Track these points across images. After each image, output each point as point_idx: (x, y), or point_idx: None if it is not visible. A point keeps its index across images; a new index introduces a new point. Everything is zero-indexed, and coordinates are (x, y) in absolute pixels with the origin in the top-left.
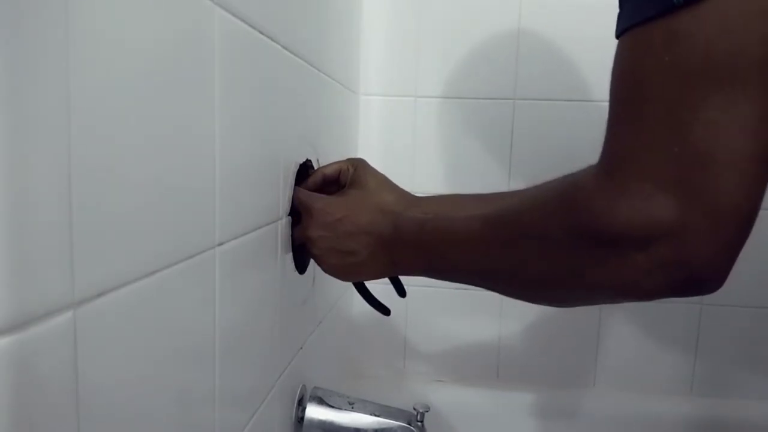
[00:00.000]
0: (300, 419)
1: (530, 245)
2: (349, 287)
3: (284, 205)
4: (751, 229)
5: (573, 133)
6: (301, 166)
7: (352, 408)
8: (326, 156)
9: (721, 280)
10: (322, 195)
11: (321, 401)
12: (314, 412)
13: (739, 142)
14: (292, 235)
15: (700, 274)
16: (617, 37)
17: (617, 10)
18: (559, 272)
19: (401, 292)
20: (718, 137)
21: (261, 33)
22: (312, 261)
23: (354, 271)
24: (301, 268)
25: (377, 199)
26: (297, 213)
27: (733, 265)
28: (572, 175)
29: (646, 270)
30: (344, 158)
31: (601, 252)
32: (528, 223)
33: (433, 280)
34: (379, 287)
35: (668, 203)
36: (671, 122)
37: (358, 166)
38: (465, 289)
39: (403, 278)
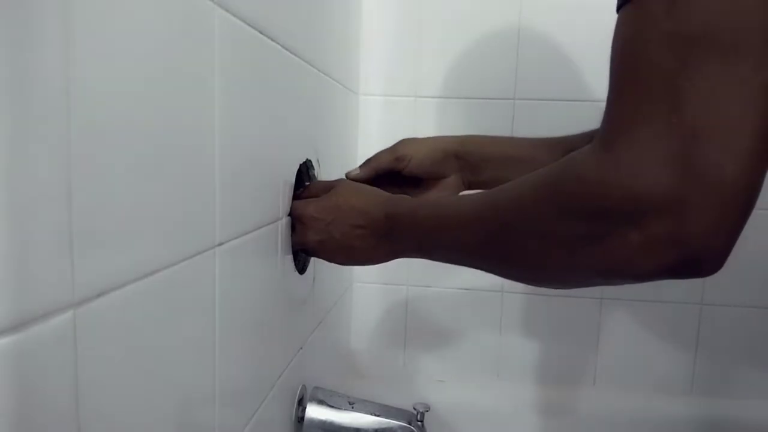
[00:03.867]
0: (300, 419)
1: (525, 222)
2: (349, 287)
3: (284, 205)
4: (751, 208)
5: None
6: (301, 166)
7: (353, 408)
8: (326, 156)
9: (718, 261)
10: (310, 200)
11: (321, 401)
12: (314, 411)
13: (740, 113)
14: (292, 237)
15: (696, 253)
16: (618, 10)
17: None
18: (551, 251)
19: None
20: (718, 108)
21: (261, 33)
22: (312, 261)
23: (361, 261)
24: (301, 268)
25: (364, 194)
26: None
27: (733, 246)
28: (571, 153)
29: (639, 248)
30: (343, 159)
31: (593, 228)
32: (522, 199)
33: (433, 281)
34: (377, 287)
35: (664, 176)
36: (670, 92)
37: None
38: (465, 288)
39: (403, 278)
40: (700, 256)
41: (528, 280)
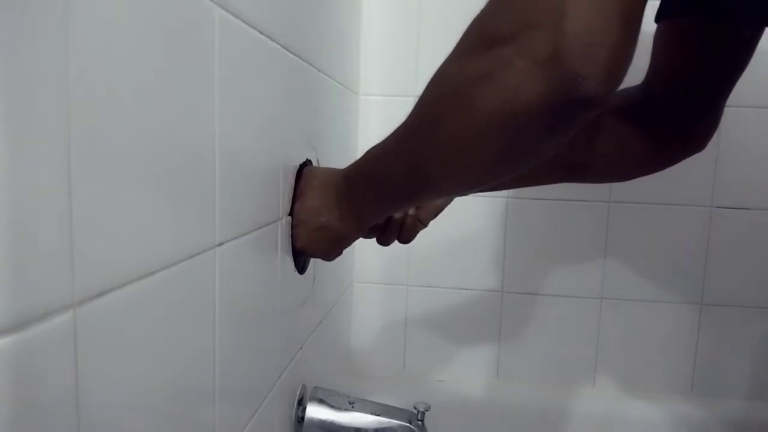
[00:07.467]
0: (300, 419)
1: (440, 85)
2: (349, 287)
3: (284, 205)
4: (633, 20)
5: None
6: (301, 166)
7: (353, 407)
8: (326, 156)
9: (602, 79)
10: None
11: (321, 401)
12: (315, 411)
13: None
14: (292, 236)
15: (577, 67)
16: None
17: None
18: (460, 104)
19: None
20: None
21: (261, 33)
22: (312, 261)
23: (337, 241)
24: (301, 268)
25: (319, 171)
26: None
27: (617, 66)
28: None
29: (525, 73)
30: (343, 159)
31: (486, 63)
32: (439, 70)
33: (433, 281)
34: (377, 287)
35: None
36: None
37: None
38: (465, 288)
39: (403, 278)
40: (582, 71)
41: (460, 158)
